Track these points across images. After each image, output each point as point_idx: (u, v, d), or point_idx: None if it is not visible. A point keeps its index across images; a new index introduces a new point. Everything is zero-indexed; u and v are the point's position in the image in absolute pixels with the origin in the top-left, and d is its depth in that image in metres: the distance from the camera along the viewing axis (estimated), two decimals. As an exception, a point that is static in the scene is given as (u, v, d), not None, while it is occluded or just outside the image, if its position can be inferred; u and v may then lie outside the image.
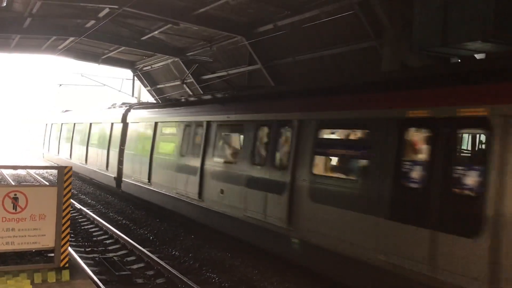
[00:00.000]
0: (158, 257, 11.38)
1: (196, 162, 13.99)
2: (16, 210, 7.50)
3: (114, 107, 23.99)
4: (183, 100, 17.42)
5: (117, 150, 20.39)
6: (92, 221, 16.05)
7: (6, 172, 28.12)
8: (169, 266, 10.66)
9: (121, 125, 20.63)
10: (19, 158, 42.55)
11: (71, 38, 22.80)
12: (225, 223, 12.40)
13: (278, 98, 11.52)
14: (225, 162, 12.92)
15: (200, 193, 13.60)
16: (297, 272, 10.34)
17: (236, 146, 13.56)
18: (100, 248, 12.76)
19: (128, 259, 11.76)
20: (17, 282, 7.25)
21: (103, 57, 28.47)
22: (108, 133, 22.04)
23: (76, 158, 27.03)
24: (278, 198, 10.18)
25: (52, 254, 7.90)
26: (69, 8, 18.64)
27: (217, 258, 11.71)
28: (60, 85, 37.31)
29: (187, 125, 15.12)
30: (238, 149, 13.09)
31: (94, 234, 14.44)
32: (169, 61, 26.42)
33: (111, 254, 12.06)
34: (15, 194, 7.51)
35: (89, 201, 20.46)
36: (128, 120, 20.19)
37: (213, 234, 13.58)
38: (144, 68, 30.26)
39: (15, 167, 9.98)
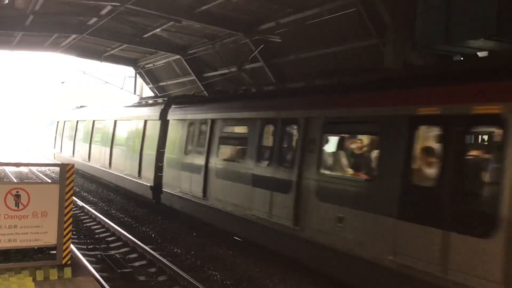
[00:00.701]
0: (160, 255, 11.40)
1: (286, 174, 10.32)
2: (18, 208, 7.52)
3: (145, 102, 20.70)
4: (253, 90, 14.40)
5: (154, 153, 16.90)
6: (94, 218, 16.07)
7: (8, 169, 28.16)
8: (171, 263, 10.67)
9: (158, 123, 17.06)
10: (21, 157, 42.63)
11: (73, 36, 22.82)
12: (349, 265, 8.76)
13: None
14: (345, 179, 9.20)
15: (296, 218, 9.83)
16: (299, 269, 10.34)
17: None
18: (102, 246, 12.78)
19: (130, 256, 11.78)
20: (20, 279, 7.27)
21: (105, 54, 28.47)
22: (140, 132, 18.49)
23: (96, 161, 23.57)
24: None
25: (54, 252, 7.92)
26: (71, 6, 18.64)
27: (219, 256, 11.72)
28: (63, 82, 37.35)
29: (268, 122, 11.43)
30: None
31: (96, 231, 14.46)
32: (171, 58, 26.41)
33: (113, 252, 12.08)
34: (17, 192, 7.53)
35: (91, 198, 20.48)
36: (170, 117, 16.45)
37: (215, 232, 13.58)
38: (146, 66, 30.26)
39: (17, 164, 10.01)
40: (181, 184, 14.87)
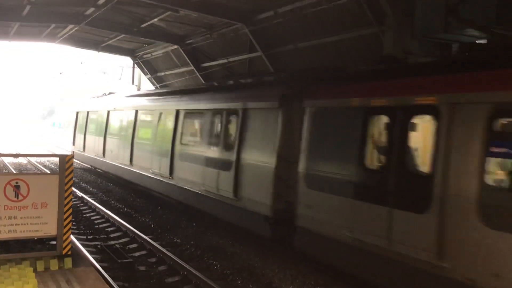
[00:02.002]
0: (160, 245, 11.43)
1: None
2: (18, 198, 7.51)
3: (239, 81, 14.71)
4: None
5: (273, 162, 10.79)
6: (93, 209, 16.09)
7: (7, 161, 28.15)
8: (171, 253, 10.70)
9: (278, 114, 10.88)
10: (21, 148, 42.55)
11: (71, 26, 22.69)
12: None
13: None
14: None
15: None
16: (299, 259, 10.38)
17: None
18: (102, 236, 12.81)
19: (130, 246, 11.81)
20: (20, 270, 7.28)
21: (103, 44, 28.34)
22: (237, 128, 12.22)
23: (146, 165, 17.43)
24: None
25: (55, 242, 7.93)
26: (69, -4, 18.54)
27: (219, 246, 11.76)
28: (61, 73, 37.25)
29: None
30: None
31: (96, 222, 14.49)
32: (169, 48, 26.30)
33: (113, 242, 12.11)
34: (17, 182, 7.52)
35: (91, 189, 20.49)
36: (312, 103, 10.12)
37: (215, 221, 13.60)
38: (144, 56, 30.15)
39: (16, 155, 9.96)
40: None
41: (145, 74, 32.32)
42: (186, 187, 14.53)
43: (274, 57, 19.50)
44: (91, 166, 25.66)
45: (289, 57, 19.01)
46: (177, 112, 15.55)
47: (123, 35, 24.80)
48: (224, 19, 19.00)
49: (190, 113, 15.10)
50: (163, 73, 30.51)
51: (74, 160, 26.04)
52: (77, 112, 28.14)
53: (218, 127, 13.23)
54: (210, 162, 13.31)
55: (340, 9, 14.83)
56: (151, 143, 17.32)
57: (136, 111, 19.10)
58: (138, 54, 30.50)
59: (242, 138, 11.85)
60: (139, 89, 32.81)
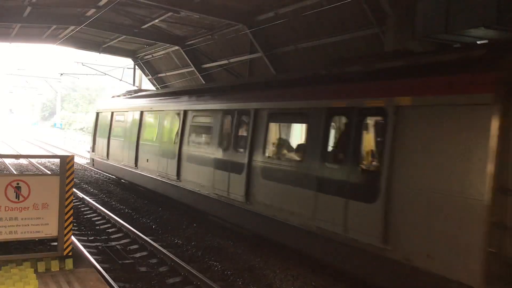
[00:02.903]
0: (161, 246, 11.42)
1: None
2: (19, 199, 7.52)
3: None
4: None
5: (483, 194, 6.56)
6: (94, 210, 16.09)
7: (8, 162, 28.17)
8: (172, 254, 10.70)
9: (490, 114, 6.65)
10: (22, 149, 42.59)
11: (72, 27, 22.72)
12: None
13: None
14: None
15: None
16: (300, 260, 10.38)
17: None
18: (103, 237, 12.80)
19: (131, 247, 11.80)
20: (21, 270, 7.29)
21: (104, 46, 28.38)
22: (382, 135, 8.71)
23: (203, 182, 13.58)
24: None
25: (56, 243, 7.93)
26: (69, -3, 18.57)
27: (220, 246, 11.75)
28: (62, 74, 37.29)
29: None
30: None
31: (97, 223, 14.48)
32: (170, 49, 26.33)
33: (114, 243, 12.10)
34: (18, 183, 7.52)
35: (92, 190, 20.49)
36: None
37: (216, 222, 13.60)
38: (145, 57, 30.17)
39: (16, 156, 9.98)
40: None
41: (146, 75, 32.35)
42: None
43: (274, 58, 19.51)
44: (117, 177, 21.57)
45: (289, 58, 19.02)
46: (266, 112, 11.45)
47: (124, 36, 24.83)
48: (225, 20, 19.02)
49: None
50: (164, 74, 30.54)
51: (93, 169, 23.56)
52: (98, 113, 23.69)
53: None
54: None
55: (340, 9, 14.83)
56: (211, 154, 13.14)
57: (185, 112, 14.79)
58: (139, 55, 30.53)
59: (393, 150, 7.82)
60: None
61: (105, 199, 18.22)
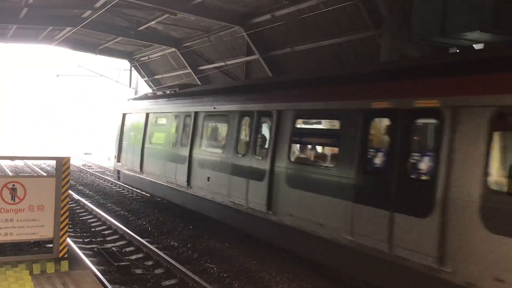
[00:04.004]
0: (156, 248, 11.41)
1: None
2: (14, 201, 7.48)
3: None
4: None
5: None
6: (90, 212, 16.05)
7: (3, 163, 28.09)
8: (168, 256, 10.68)
9: None
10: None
11: (68, 28, 22.69)
12: None
13: None
14: None
15: None
16: (296, 262, 10.37)
17: None
18: (98, 239, 12.77)
19: (127, 249, 11.78)
20: (16, 272, 7.25)
21: (100, 47, 28.34)
22: None
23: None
24: None
25: (51, 245, 7.90)
26: (66, -2, 18.56)
27: (216, 248, 11.74)
28: (58, 75, 37.23)
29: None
30: None
31: (93, 225, 14.45)
32: (167, 51, 26.33)
33: (109, 245, 12.08)
34: (13, 185, 7.48)
35: (87, 191, 20.44)
36: None
37: (212, 224, 13.59)
38: (142, 59, 30.16)
39: (12, 158, 9.95)
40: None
41: (142, 77, 32.33)
42: None
43: (271, 60, 19.53)
44: (156, 197, 17.39)
45: (286, 60, 19.04)
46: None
47: (120, 38, 24.81)
48: (222, 22, 19.04)
49: None
50: (160, 76, 30.53)
51: (120, 183, 20.19)
52: (124, 115, 19.58)
53: None
54: None
55: (337, 12, 14.87)
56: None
57: (279, 113, 10.69)
58: (135, 56, 30.51)
59: None
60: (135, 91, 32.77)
61: (101, 201, 18.17)
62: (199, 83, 24.81)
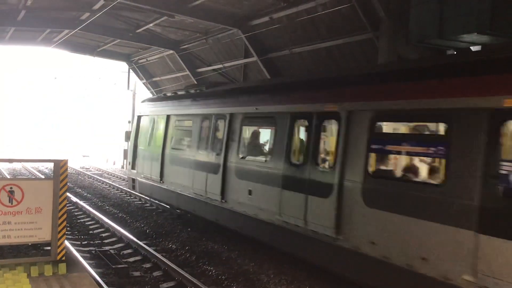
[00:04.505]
0: (155, 250, 11.39)
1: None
2: (12, 204, 7.48)
3: None
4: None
5: None
6: (88, 214, 16.03)
7: (1, 166, 28.06)
8: (166, 259, 10.67)
9: None
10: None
11: (66, 31, 22.68)
12: None
13: None
14: None
15: None
16: (294, 264, 10.37)
17: None
18: (96, 242, 12.76)
19: (125, 252, 11.76)
20: (14, 275, 7.25)
21: (99, 49, 28.34)
22: None
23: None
24: None
25: (49, 248, 7.89)
26: (64, 1, 18.54)
27: (214, 251, 11.73)
28: (56, 78, 37.21)
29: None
30: None
31: (91, 227, 14.43)
32: (165, 53, 26.33)
33: (107, 247, 12.06)
34: (11, 188, 7.48)
35: (85, 194, 20.42)
36: None
37: (210, 227, 13.58)
38: (140, 61, 30.17)
39: (10, 160, 9.91)
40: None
41: (141, 79, 32.33)
42: None
43: (269, 62, 19.55)
44: (180, 210, 15.36)
45: (284, 62, 19.06)
46: None
47: (118, 40, 24.81)
48: (220, 24, 19.05)
49: None
50: (158, 78, 30.53)
51: (135, 193, 18.10)
52: (140, 117, 18.05)
53: None
54: None
55: (335, 15, 14.89)
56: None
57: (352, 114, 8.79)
58: (133, 59, 30.52)
59: None
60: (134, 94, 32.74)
61: (98, 204, 18.15)
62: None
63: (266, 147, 11.66)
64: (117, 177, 28.03)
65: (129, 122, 34.49)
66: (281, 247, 10.37)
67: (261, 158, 11.33)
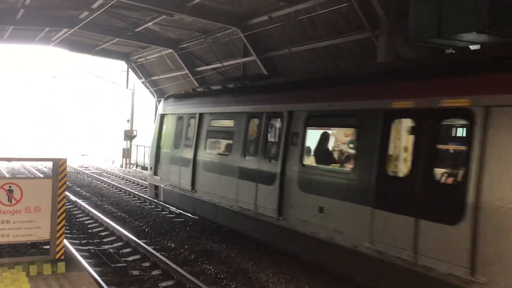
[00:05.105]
0: (153, 249, 11.39)
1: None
2: (11, 202, 7.48)
3: None
4: None
5: None
6: (87, 213, 16.03)
7: (0, 165, 28.04)
8: (165, 257, 10.67)
9: None
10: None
11: (65, 29, 22.69)
12: None
13: None
14: None
15: None
16: (293, 262, 10.38)
17: None
18: (95, 240, 12.75)
19: (124, 251, 11.76)
20: (13, 274, 7.24)
21: (97, 48, 28.34)
22: None
23: None
24: None
25: (48, 247, 7.89)
26: (62, -1, 18.56)
27: (213, 250, 11.73)
28: (54, 76, 37.21)
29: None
30: None
31: (89, 226, 14.43)
32: (164, 52, 26.33)
33: (106, 246, 12.05)
34: (10, 186, 7.48)
35: (84, 193, 20.42)
36: None
37: (209, 226, 13.59)
38: (139, 60, 30.16)
39: (9, 159, 9.92)
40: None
41: (139, 78, 32.33)
42: None
43: (268, 61, 19.56)
44: (218, 224, 13.02)
45: (283, 61, 19.07)
46: None
47: (117, 39, 24.81)
48: (219, 23, 19.06)
49: None
50: (157, 77, 30.53)
51: (159, 202, 16.22)
52: (163, 116, 15.71)
53: None
54: None
55: (334, 14, 14.90)
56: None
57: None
58: (132, 58, 30.51)
59: None
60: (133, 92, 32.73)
61: (97, 202, 18.15)
62: (196, 84, 24.80)
63: (347, 154, 9.64)
64: (116, 176, 28.04)
65: (128, 121, 34.49)
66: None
67: (337, 168, 9.52)
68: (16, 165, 29.95)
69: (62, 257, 7.81)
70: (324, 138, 10.14)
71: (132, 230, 13.50)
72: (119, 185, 22.54)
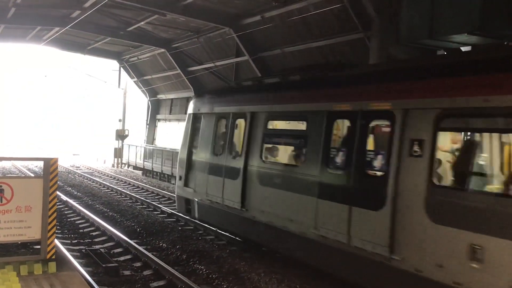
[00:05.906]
0: (145, 249, 11.36)
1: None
2: (1, 202, 7.42)
3: None
4: None
5: None
6: (78, 213, 15.96)
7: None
8: (157, 257, 10.65)
9: None
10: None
11: (57, 28, 22.59)
12: None
13: None
14: None
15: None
16: (284, 263, 10.39)
17: None
18: (86, 240, 12.70)
19: (115, 251, 11.72)
20: (3, 274, 7.20)
21: (89, 47, 28.24)
22: None
23: None
24: None
25: (39, 246, 7.85)
26: (54, -2, 18.48)
27: (205, 250, 11.72)
28: (46, 76, 37.03)
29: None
30: None
31: (81, 226, 14.37)
32: (156, 52, 26.28)
33: (97, 246, 12.01)
34: (1, 186, 7.43)
35: (75, 193, 20.33)
36: None
37: (200, 226, 13.57)
38: (131, 59, 30.07)
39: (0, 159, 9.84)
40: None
41: (131, 77, 32.25)
42: None
43: (260, 61, 19.57)
44: (281, 253, 10.62)
45: (275, 62, 19.09)
46: None
47: (109, 38, 24.74)
48: (211, 23, 19.06)
49: None
50: (149, 77, 30.46)
51: (194, 212, 13.39)
52: (196, 116, 13.21)
53: None
54: None
55: (326, 14, 14.94)
56: None
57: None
58: (124, 57, 30.43)
59: None
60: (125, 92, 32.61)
61: (89, 202, 18.08)
62: (189, 84, 24.74)
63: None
64: (107, 175, 27.94)
65: (119, 120, 34.36)
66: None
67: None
68: (7, 164, 29.75)
69: (53, 257, 7.77)
70: (470, 147, 7.31)
71: (123, 230, 13.46)
72: (111, 185, 22.46)
